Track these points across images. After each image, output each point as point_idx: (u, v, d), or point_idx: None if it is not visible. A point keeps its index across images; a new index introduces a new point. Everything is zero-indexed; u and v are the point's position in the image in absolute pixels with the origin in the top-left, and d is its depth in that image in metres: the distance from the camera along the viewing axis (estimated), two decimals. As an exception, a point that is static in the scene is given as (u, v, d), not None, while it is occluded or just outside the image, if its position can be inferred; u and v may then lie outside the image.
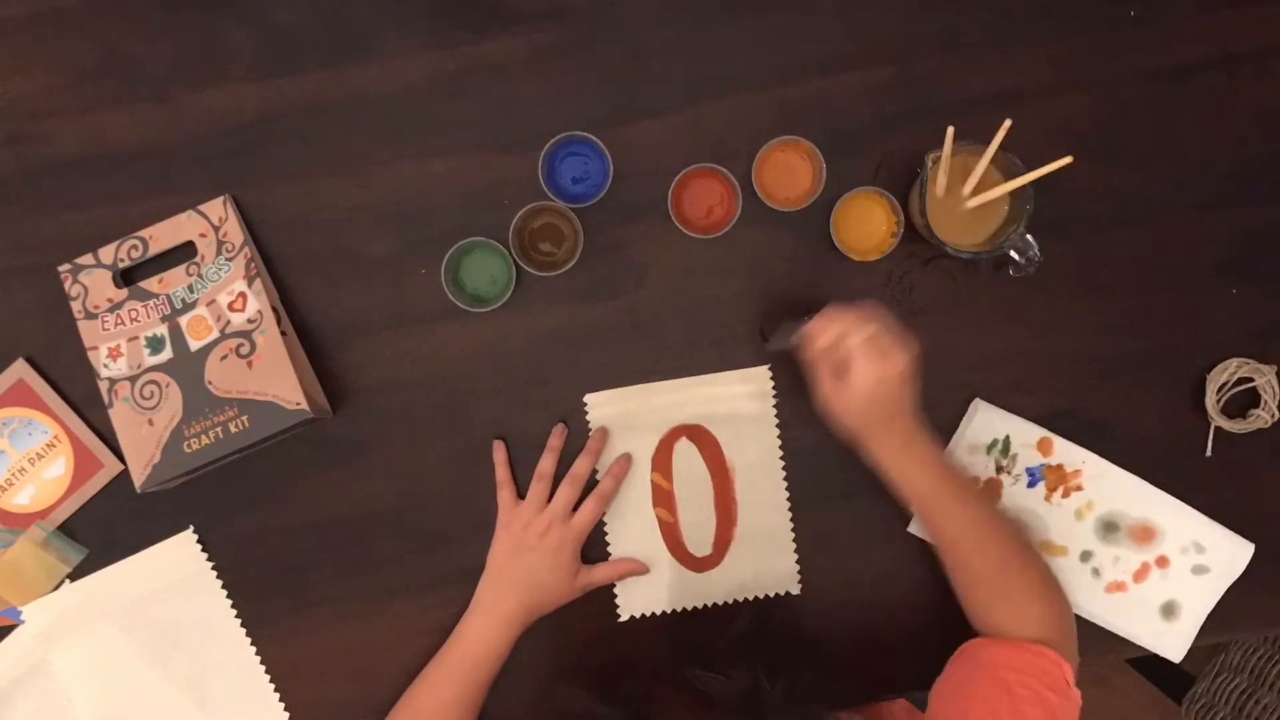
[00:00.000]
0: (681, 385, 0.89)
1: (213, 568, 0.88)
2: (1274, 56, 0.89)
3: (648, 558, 0.89)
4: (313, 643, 0.89)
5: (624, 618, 0.89)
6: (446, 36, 0.88)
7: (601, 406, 0.89)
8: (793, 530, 0.89)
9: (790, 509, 0.89)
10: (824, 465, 0.89)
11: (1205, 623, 0.89)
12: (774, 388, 0.89)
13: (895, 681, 0.89)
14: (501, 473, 0.87)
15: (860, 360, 0.75)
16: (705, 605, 0.89)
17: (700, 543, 0.89)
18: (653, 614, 0.89)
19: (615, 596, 0.89)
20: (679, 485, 0.89)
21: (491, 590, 0.85)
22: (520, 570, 0.85)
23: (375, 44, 0.88)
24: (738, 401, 0.89)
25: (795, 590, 0.89)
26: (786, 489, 0.89)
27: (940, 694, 0.74)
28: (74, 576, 0.88)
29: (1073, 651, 0.76)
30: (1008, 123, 0.76)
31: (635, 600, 0.89)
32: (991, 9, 0.89)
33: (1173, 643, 0.89)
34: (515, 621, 0.84)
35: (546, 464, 0.87)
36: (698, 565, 0.89)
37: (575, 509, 0.86)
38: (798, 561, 0.89)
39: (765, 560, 0.89)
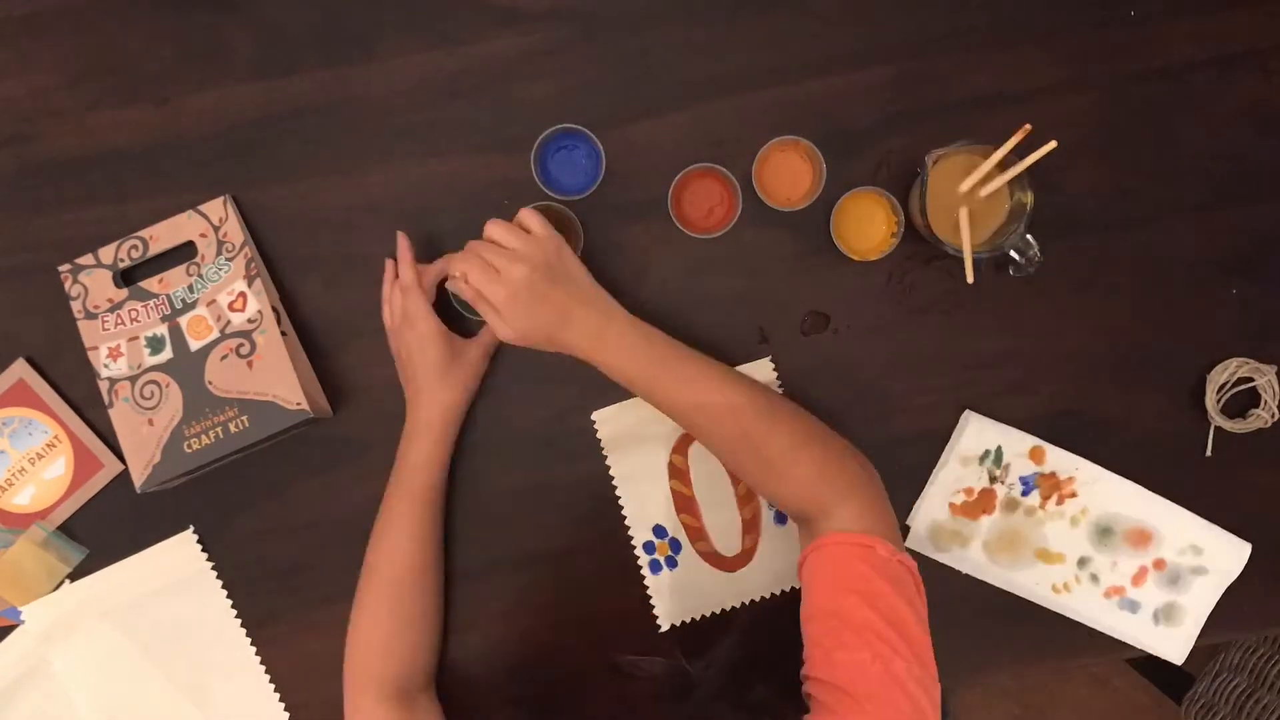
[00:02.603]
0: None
1: (212, 568, 0.88)
2: (1274, 56, 0.89)
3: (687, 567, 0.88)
4: (313, 643, 0.89)
5: (664, 628, 0.89)
6: (446, 36, 0.88)
7: (610, 422, 0.89)
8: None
9: None
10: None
11: (1205, 623, 0.89)
12: (778, 378, 0.89)
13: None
14: (406, 273, 0.84)
15: (485, 289, 0.74)
16: (744, 602, 0.89)
17: (729, 543, 0.89)
18: (694, 619, 0.89)
19: (654, 608, 0.89)
20: (699, 489, 0.89)
21: (409, 411, 0.84)
22: (416, 383, 0.83)
23: (375, 44, 0.88)
24: None
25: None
26: None
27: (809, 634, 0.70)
28: (74, 576, 0.88)
29: (864, 508, 0.72)
30: (1027, 127, 0.76)
31: (674, 608, 0.89)
32: (992, 9, 0.89)
33: (1174, 645, 0.89)
34: (436, 425, 0.83)
35: (386, 286, 0.85)
36: (730, 565, 0.89)
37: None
38: None
39: (796, 550, 0.89)
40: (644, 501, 0.88)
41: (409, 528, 0.82)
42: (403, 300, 0.82)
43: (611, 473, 0.89)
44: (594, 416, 0.88)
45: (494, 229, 0.77)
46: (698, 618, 0.89)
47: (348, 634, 0.82)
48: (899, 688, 0.62)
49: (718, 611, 0.89)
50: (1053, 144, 0.77)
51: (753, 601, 0.89)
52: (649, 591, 0.89)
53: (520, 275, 0.74)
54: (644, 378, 0.77)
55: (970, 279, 0.80)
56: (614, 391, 0.88)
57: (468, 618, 0.89)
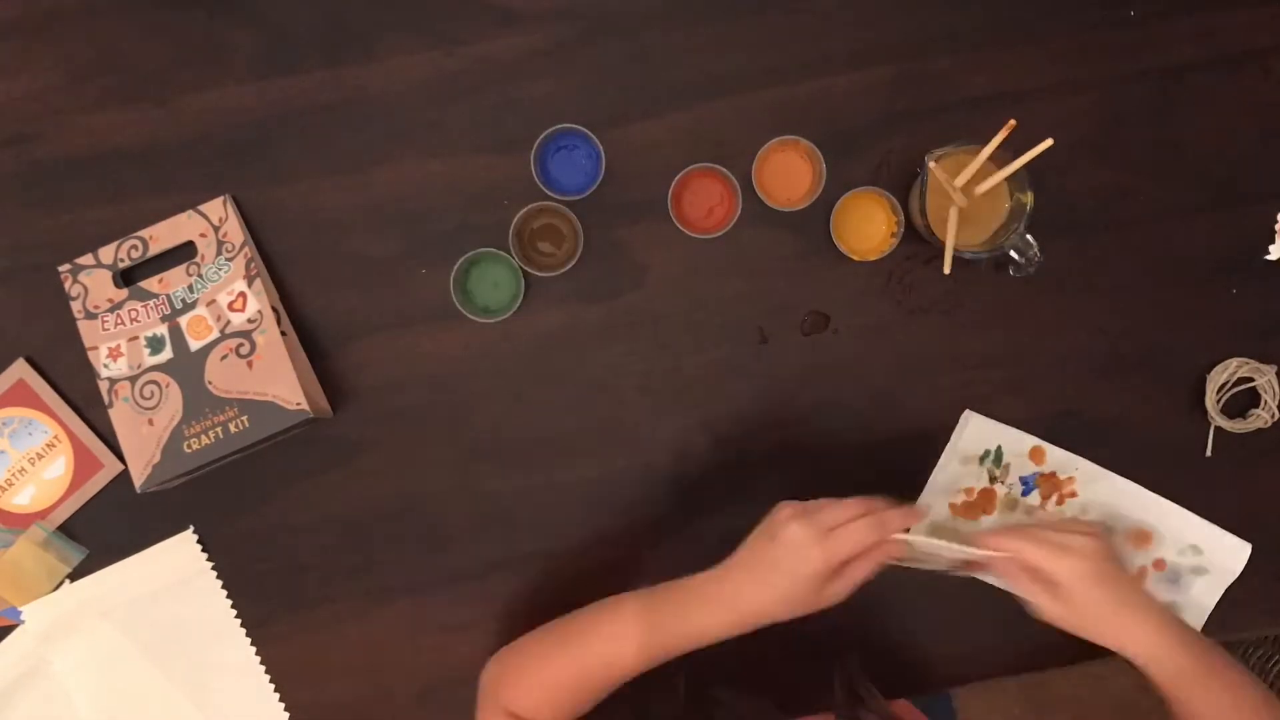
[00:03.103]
0: None
1: (213, 568, 0.88)
2: (1274, 56, 0.89)
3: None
4: (313, 643, 0.89)
5: None
6: (446, 36, 0.88)
7: None
8: None
9: None
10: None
11: (1205, 623, 0.89)
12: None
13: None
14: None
15: (1050, 562, 0.71)
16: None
17: None
18: None
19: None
20: None
21: (731, 578, 0.72)
22: (774, 577, 0.70)
23: (375, 44, 0.88)
24: None
25: None
26: None
27: None
28: (74, 576, 0.88)
29: None
30: (1011, 123, 0.76)
31: None
32: (992, 9, 0.89)
33: (1173, 643, 0.89)
34: (742, 622, 0.71)
35: (895, 551, 0.73)
36: None
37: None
38: None
39: None
40: None
41: (647, 656, 0.72)
42: (860, 564, 0.70)
43: None
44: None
45: (1046, 528, 0.74)
46: None
47: (521, 652, 0.77)
48: None
49: None
50: (1048, 142, 0.77)
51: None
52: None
53: (1094, 549, 0.72)
54: (1196, 675, 0.71)
55: (947, 270, 0.81)
56: (607, 377, 0.88)
57: (468, 618, 0.89)
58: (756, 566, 0.71)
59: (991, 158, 0.81)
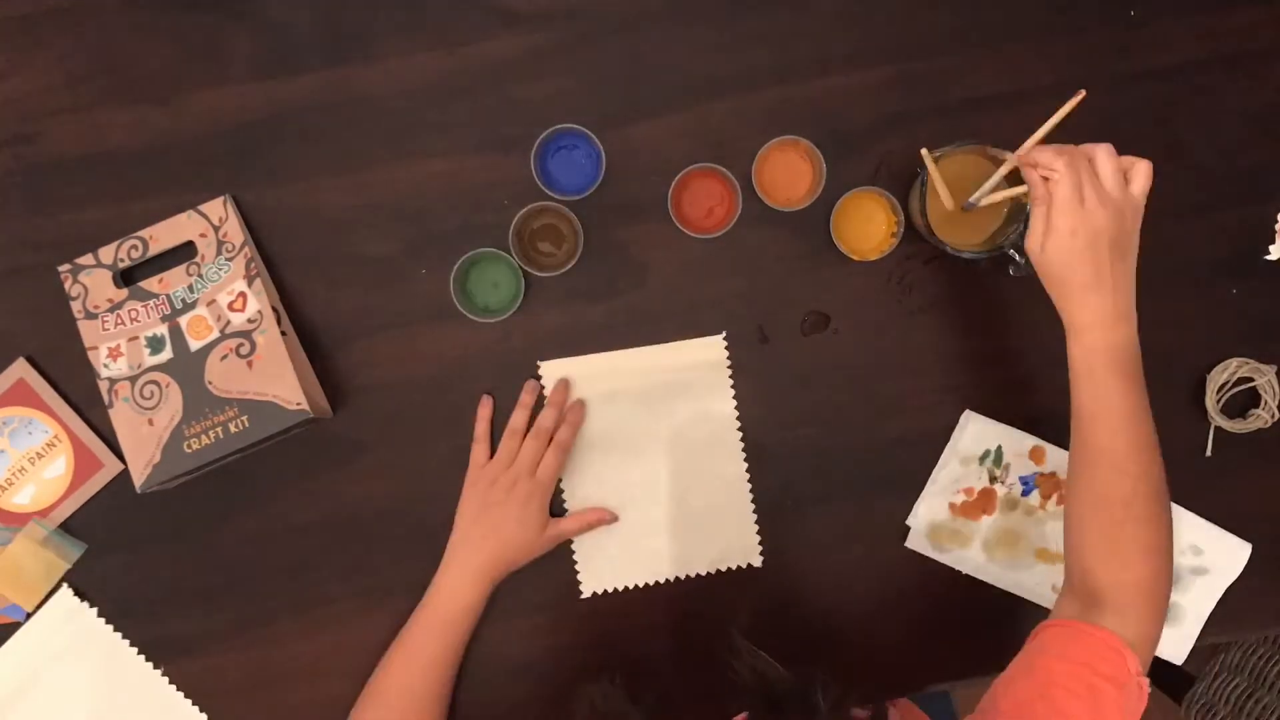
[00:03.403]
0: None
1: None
2: (1273, 56, 0.89)
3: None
4: (313, 643, 0.89)
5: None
6: (446, 36, 0.88)
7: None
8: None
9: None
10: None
11: (1205, 623, 0.89)
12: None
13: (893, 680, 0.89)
14: (481, 428, 0.88)
15: (1058, 206, 0.69)
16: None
17: None
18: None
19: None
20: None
21: (461, 547, 0.86)
22: (488, 525, 0.85)
23: (375, 44, 0.88)
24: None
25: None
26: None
27: (1001, 677, 0.70)
28: (74, 574, 0.88)
29: (1152, 631, 0.71)
30: (1081, 93, 0.74)
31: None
32: (992, 9, 0.89)
33: (1173, 645, 0.89)
34: (486, 576, 0.84)
35: (518, 419, 0.87)
36: None
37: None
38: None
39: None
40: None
41: (437, 667, 0.84)
42: (549, 456, 0.86)
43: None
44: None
45: (1105, 159, 0.71)
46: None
47: None
48: None
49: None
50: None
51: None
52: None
53: (1099, 223, 0.69)
54: (1106, 391, 0.72)
55: (946, 203, 0.80)
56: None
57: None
58: (479, 527, 0.85)
59: (991, 158, 0.81)
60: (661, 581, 0.90)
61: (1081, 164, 0.70)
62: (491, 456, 0.87)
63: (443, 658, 0.84)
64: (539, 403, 0.89)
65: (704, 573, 0.89)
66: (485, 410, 0.88)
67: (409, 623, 0.85)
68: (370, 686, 0.84)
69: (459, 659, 0.85)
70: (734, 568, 0.89)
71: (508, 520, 0.84)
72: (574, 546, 0.89)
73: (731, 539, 0.89)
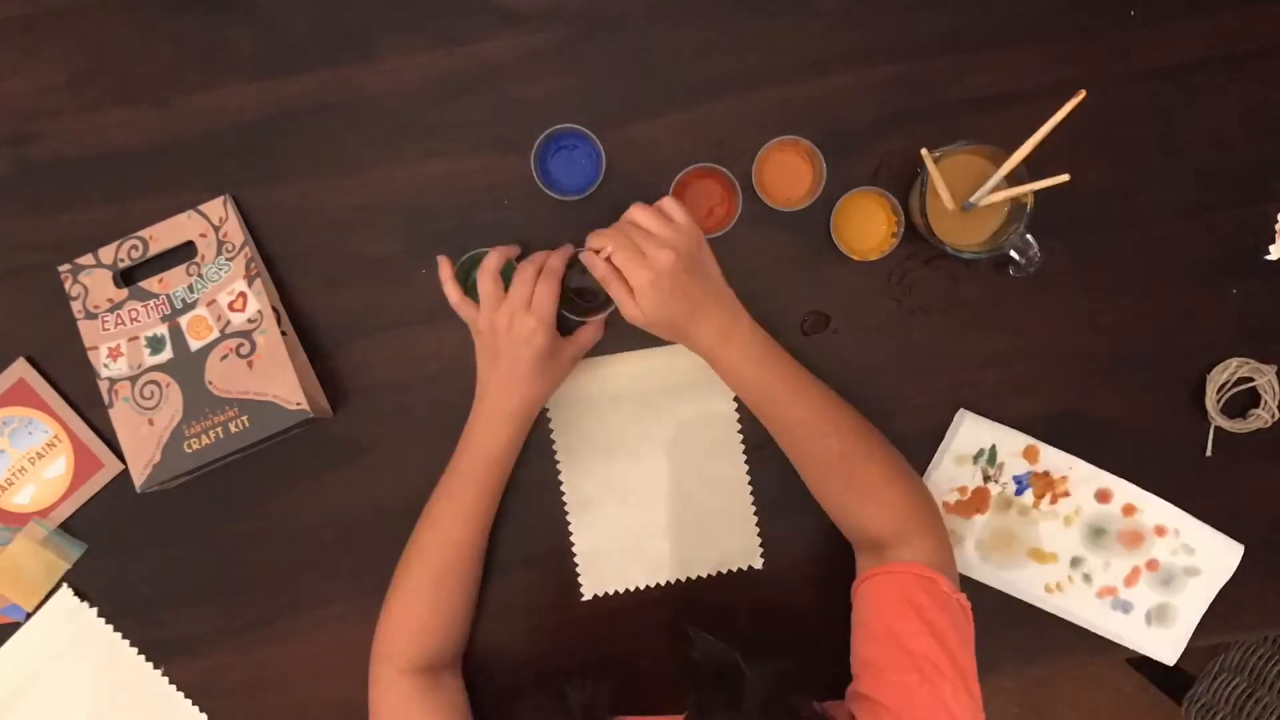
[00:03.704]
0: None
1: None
2: (1273, 56, 0.89)
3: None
4: (313, 642, 0.89)
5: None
6: (446, 36, 0.88)
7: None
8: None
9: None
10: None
11: (1202, 624, 0.89)
12: None
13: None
14: (452, 291, 0.82)
15: (627, 270, 0.74)
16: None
17: None
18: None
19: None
20: None
21: (487, 397, 0.83)
22: (505, 369, 0.81)
23: (375, 44, 0.88)
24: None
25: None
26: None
27: (852, 649, 0.74)
28: (74, 574, 0.88)
29: (938, 545, 0.76)
30: (1081, 93, 0.75)
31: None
32: (991, 9, 0.89)
33: (1166, 646, 0.89)
34: (514, 418, 0.82)
35: (491, 261, 0.81)
36: None
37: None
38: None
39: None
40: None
41: (472, 515, 0.82)
42: (541, 286, 0.79)
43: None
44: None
45: (640, 214, 0.76)
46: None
47: (384, 605, 0.83)
48: (945, 713, 0.66)
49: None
50: (1065, 177, 0.77)
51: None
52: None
53: (666, 263, 0.74)
54: (759, 382, 0.79)
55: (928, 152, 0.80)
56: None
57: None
58: (498, 374, 0.81)
59: (991, 159, 0.81)
60: (662, 583, 0.90)
61: (626, 229, 0.76)
62: None
63: (481, 505, 0.83)
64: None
65: (705, 575, 0.90)
66: (446, 270, 0.82)
67: (447, 471, 0.83)
68: (412, 542, 0.83)
69: (495, 506, 0.84)
70: (735, 570, 0.89)
71: (519, 360, 0.80)
72: (574, 548, 0.89)
73: (732, 541, 0.89)
